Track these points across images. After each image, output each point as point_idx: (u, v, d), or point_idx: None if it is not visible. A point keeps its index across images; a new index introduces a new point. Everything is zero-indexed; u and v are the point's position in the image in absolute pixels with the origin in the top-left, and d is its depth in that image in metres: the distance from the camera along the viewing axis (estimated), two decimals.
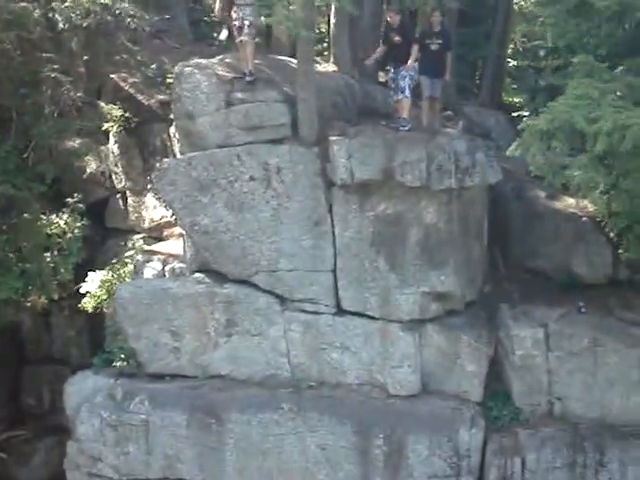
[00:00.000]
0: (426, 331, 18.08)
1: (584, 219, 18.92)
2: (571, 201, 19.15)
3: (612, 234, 18.35)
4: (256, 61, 18.23)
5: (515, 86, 27.11)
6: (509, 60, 26.28)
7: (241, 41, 17.99)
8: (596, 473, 17.72)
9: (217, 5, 18.63)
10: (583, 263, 18.86)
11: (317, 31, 21.70)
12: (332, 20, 20.68)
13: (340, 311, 18.17)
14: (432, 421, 17.71)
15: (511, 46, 26.59)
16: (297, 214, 17.91)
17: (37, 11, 19.30)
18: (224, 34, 24.49)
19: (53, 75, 19.23)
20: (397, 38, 18.21)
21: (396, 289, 17.87)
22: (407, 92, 18.26)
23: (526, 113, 19.65)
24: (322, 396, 18.00)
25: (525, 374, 18.13)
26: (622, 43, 16.44)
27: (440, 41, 18.54)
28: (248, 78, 17.88)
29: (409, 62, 18.15)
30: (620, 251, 18.38)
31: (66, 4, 18.29)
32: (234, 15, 18.05)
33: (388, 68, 18.85)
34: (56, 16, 19.08)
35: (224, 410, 17.83)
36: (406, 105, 18.33)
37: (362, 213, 17.83)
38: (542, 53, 23.52)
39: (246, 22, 17.83)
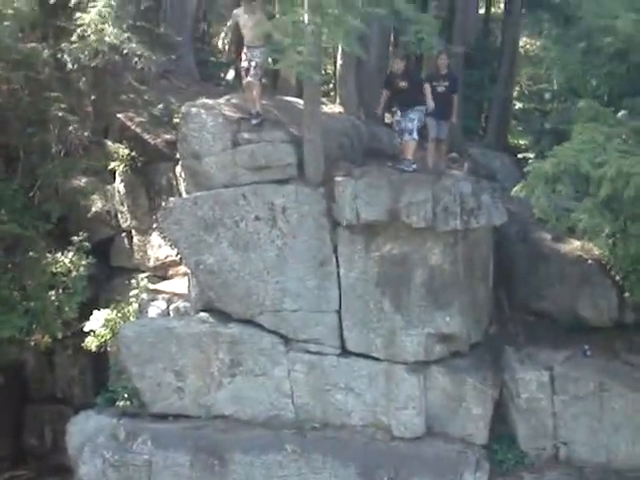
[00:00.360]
0: (431, 373, 17.98)
1: (589, 262, 18.87)
2: (576, 243, 19.11)
3: (618, 277, 18.30)
4: (263, 102, 18.29)
5: (521, 128, 27.20)
6: (515, 102, 26.39)
7: (248, 82, 18.08)
8: None
9: (225, 45, 18.73)
10: (589, 306, 18.79)
11: (324, 72, 21.86)
12: (339, 61, 20.80)
13: (345, 352, 18.08)
14: (437, 464, 17.54)
15: (517, 88, 26.73)
16: (302, 254, 17.89)
17: (46, 51, 19.46)
18: (231, 74, 24.67)
19: (60, 114, 19.33)
20: (403, 84, 18.27)
21: (401, 330, 17.81)
22: (414, 134, 18.31)
23: (531, 155, 19.67)
24: (326, 437, 17.88)
25: (530, 417, 18.01)
26: (623, 83, 16.51)
27: (447, 83, 18.62)
28: (254, 121, 17.96)
29: (428, 102, 18.34)
30: (626, 294, 18.31)
31: (75, 45, 18.38)
32: (243, 57, 18.15)
33: (394, 110, 18.89)
34: (65, 56, 19.19)
35: (227, 451, 17.70)
36: (412, 147, 18.38)
37: (367, 254, 17.81)
38: (547, 96, 23.62)
39: (253, 63, 17.92)
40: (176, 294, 19.36)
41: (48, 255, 19.75)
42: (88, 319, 19.75)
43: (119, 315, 19.33)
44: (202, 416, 18.14)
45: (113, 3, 15.87)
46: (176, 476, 17.66)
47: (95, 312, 19.73)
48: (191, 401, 18.25)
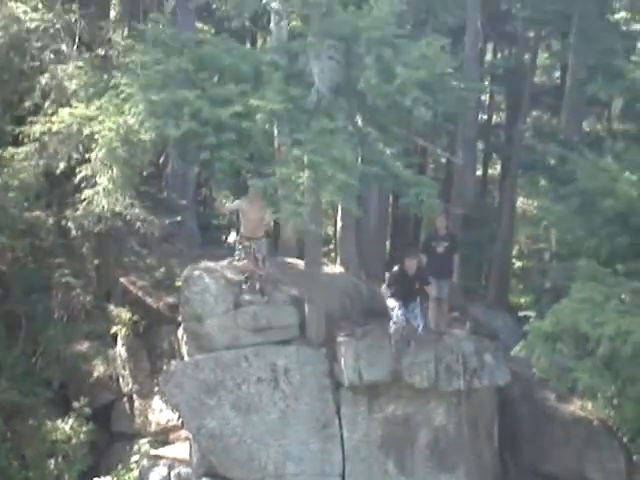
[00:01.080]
0: None
1: (595, 422, 18.67)
2: (581, 404, 18.96)
3: (625, 439, 18.07)
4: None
5: (521, 287, 27.35)
6: (514, 261, 26.61)
7: (254, 270, 18.01)
8: None
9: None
10: (596, 469, 18.46)
11: (324, 233, 22.12)
12: (339, 222, 21.07)
13: None
14: None
15: (516, 247, 27.00)
16: (305, 416, 17.74)
17: (50, 219, 19.76)
18: (232, 237, 24.94)
19: (64, 280, 19.50)
20: (417, 286, 17.73)
21: None
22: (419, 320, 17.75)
23: (532, 314, 19.74)
24: None
25: None
26: (624, 246, 16.68)
27: (446, 244, 18.80)
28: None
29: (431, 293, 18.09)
30: (634, 457, 18.02)
31: (78, 212, 18.69)
32: (242, 243, 18.01)
33: (394, 300, 17.77)
34: (69, 224, 19.48)
35: None
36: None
37: (371, 415, 17.67)
38: (547, 256, 23.84)
39: (259, 256, 17.82)
40: (177, 459, 19.03)
41: (48, 422, 19.57)
42: None
43: None
44: None
45: (117, 177, 16.19)
46: None
47: None
48: None
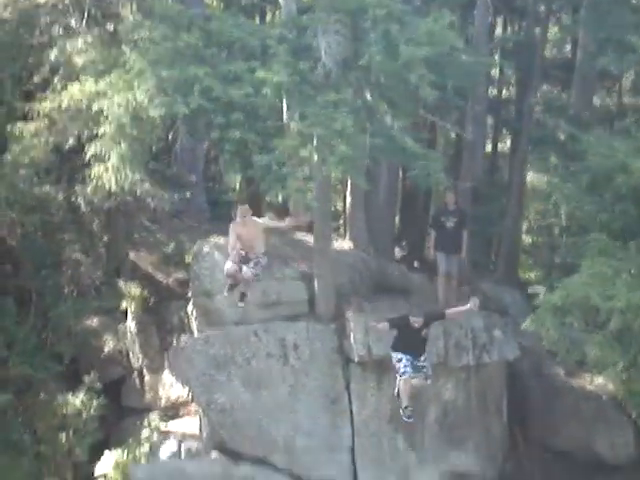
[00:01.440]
0: None
1: (604, 398, 18.71)
2: (590, 378, 18.99)
3: (633, 414, 18.10)
4: (273, 240, 18.43)
5: (530, 262, 27.29)
6: (524, 236, 26.55)
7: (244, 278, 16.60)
8: None
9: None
10: (605, 443, 18.57)
11: (333, 208, 22.10)
12: (348, 197, 21.06)
13: None
14: None
15: (525, 223, 26.93)
16: (314, 391, 17.84)
17: (60, 195, 19.76)
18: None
19: (74, 257, 19.52)
20: (422, 330, 15.88)
21: (415, 468, 17.65)
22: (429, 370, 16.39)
23: (542, 289, 19.73)
24: None
25: None
26: (636, 221, 16.63)
27: (455, 219, 18.80)
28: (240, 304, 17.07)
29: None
30: None
31: (88, 188, 18.69)
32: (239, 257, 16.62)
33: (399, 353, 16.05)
34: (78, 199, 19.49)
35: None
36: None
37: (380, 390, 17.75)
38: (557, 231, 23.80)
39: (253, 271, 16.52)
40: (187, 434, 19.15)
41: (59, 397, 19.66)
42: (99, 461, 19.52)
43: (130, 457, 19.07)
44: None
45: (126, 153, 16.15)
46: None
47: (106, 454, 19.50)
48: None
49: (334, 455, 17.82)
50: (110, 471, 19.08)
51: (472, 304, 15.61)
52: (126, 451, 19.32)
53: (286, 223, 16.22)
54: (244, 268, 16.23)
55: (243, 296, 16.86)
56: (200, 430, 18.80)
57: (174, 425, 19.75)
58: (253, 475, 17.81)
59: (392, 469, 17.68)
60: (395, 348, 15.75)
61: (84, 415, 19.61)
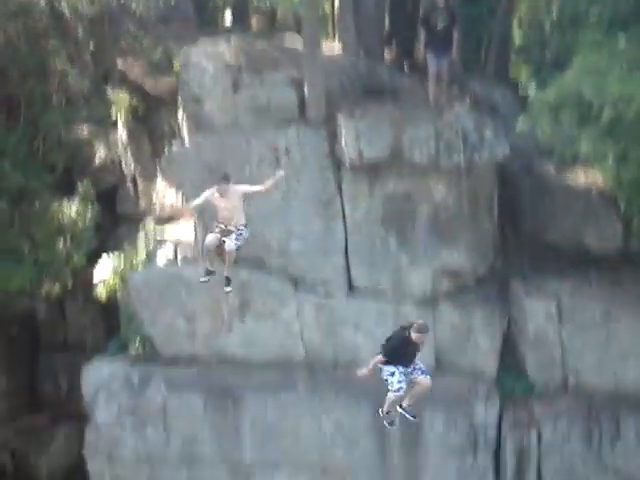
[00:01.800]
0: (439, 308, 18.15)
1: (593, 193, 18.86)
2: (580, 175, 19.10)
3: (622, 206, 18.29)
4: (261, 45, 18.16)
5: (521, 60, 26.94)
6: (515, 35, 26.12)
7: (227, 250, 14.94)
8: (612, 443, 17.85)
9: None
10: (594, 235, 18.80)
11: (321, 11, 21.67)
12: (336, 0, 20.63)
13: (352, 291, 18.24)
14: (447, 397, 17.77)
15: (516, 21, 26.45)
16: (307, 196, 17.98)
17: (42, 1, 19.29)
18: (229, 18, 24.45)
19: (60, 68, 19.23)
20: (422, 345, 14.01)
21: (408, 267, 17.96)
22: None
23: (532, 87, 19.59)
24: (337, 376, 18.09)
25: (538, 348, 18.22)
26: (627, 11, 16.35)
27: (445, 18, 18.44)
28: (202, 279, 15.35)
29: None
30: (633, 223, 18.29)
31: None
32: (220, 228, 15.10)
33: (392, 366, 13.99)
34: (62, 4, 19.05)
35: (240, 392, 18.00)
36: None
37: (372, 193, 17.87)
38: (547, 27, 23.39)
39: (238, 242, 14.93)
40: (183, 240, 19.37)
41: (54, 205, 19.80)
42: (96, 267, 19.84)
43: (127, 263, 19.37)
44: (214, 359, 18.33)
45: None
46: (191, 419, 17.95)
47: (103, 260, 19.80)
48: (202, 345, 18.45)
49: (328, 257, 18.11)
50: (108, 277, 19.44)
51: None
52: (123, 257, 19.61)
53: (265, 186, 15.17)
54: (226, 240, 14.77)
55: (229, 281, 15.17)
56: (195, 236, 19.02)
57: (169, 232, 19.98)
58: (249, 280, 18.13)
59: (385, 269, 17.97)
60: (387, 360, 13.84)
61: (80, 223, 19.82)
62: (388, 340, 13.87)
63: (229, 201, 14.79)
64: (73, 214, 19.85)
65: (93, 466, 18.66)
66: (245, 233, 15.09)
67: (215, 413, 17.87)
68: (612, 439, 17.91)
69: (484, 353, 18.21)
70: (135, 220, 20.98)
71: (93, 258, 19.98)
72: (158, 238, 19.53)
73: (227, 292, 15.35)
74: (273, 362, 18.28)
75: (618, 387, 18.10)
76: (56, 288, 20.21)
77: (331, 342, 18.26)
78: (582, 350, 18.16)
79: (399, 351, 13.81)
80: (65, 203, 19.92)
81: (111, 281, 19.30)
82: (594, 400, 18.00)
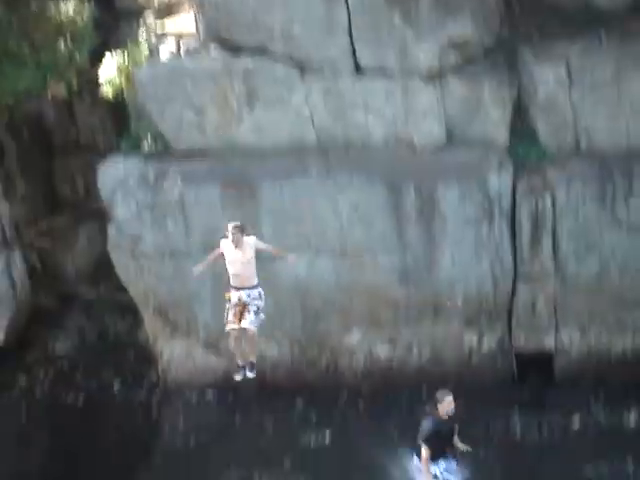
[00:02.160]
0: (447, 81, 18.05)
1: None
2: None
3: None
4: None
5: None
6: None
7: (248, 332, 14.15)
8: (625, 199, 18.01)
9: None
10: None
11: None
12: None
13: (359, 71, 18.07)
14: (461, 169, 17.99)
15: None
16: None
17: None
18: None
19: None
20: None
21: (413, 42, 17.72)
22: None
23: None
24: (349, 157, 18.23)
25: (550, 112, 18.17)
26: None
27: None
28: (237, 378, 14.81)
29: None
30: None
31: None
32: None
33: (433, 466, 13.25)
34: None
35: (255, 180, 18.19)
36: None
37: None
38: None
39: (253, 307, 14.17)
40: (185, 33, 19.09)
41: (51, 5, 19.43)
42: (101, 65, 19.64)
43: (130, 60, 19.12)
44: (226, 150, 18.40)
45: None
46: (208, 210, 18.20)
47: (107, 58, 19.55)
48: (214, 136, 18.47)
49: (332, 38, 17.84)
50: (114, 75, 19.26)
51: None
52: (126, 54, 19.38)
53: (277, 251, 14.31)
54: (245, 324, 13.86)
55: (253, 366, 14.56)
56: (196, 28, 18.73)
57: (170, 25, 19.64)
58: (253, 67, 17.99)
59: (390, 45, 17.72)
60: (431, 456, 12.81)
61: (79, 21, 19.49)
62: (423, 431, 12.79)
63: (244, 254, 13.93)
64: (71, 12, 19.46)
65: (118, 260, 19.08)
66: (261, 300, 14.13)
67: (232, 203, 18.08)
68: (625, 195, 18.05)
69: (495, 123, 18.19)
70: (136, 15, 20.55)
71: (97, 58, 19.69)
72: (159, 32, 19.27)
73: (251, 377, 14.43)
74: (286, 148, 18.37)
75: (630, 145, 18.14)
76: (62, 89, 20.02)
77: (341, 124, 18.26)
78: (594, 111, 18.08)
79: (438, 440, 12.78)
80: (61, 1, 19.49)
81: (116, 80, 19.11)
82: (607, 160, 18.05)
